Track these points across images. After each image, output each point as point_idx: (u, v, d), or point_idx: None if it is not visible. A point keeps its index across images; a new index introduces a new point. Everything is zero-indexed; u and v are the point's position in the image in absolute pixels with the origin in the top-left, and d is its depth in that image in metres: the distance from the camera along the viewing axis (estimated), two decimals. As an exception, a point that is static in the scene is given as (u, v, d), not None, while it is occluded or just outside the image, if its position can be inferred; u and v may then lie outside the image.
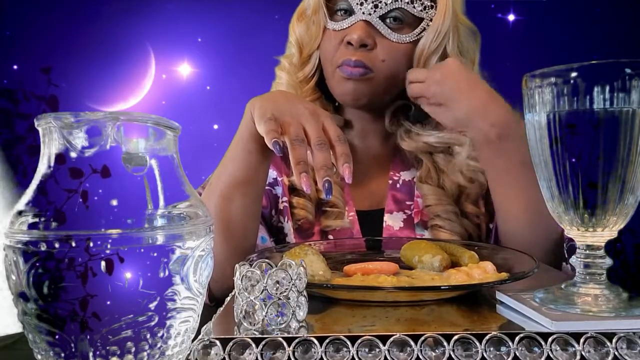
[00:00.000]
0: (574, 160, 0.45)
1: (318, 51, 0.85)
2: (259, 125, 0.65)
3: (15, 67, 1.59)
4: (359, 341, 0.41)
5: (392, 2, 0.78)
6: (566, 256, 0.78)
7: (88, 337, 0.32)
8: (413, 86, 0.78)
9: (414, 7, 0.79)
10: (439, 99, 0.75)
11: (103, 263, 0.32)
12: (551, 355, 0.40)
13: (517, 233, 0.77)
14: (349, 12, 0.80)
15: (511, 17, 1.64)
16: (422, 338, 0.41)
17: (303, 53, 0.86)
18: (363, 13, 0.78)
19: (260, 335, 0.41)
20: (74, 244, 0.32)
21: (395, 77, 0.82)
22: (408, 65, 0.82)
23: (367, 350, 0.40)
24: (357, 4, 0.78)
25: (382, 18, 0.79)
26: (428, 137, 0.85)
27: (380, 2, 0.78)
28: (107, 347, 0.33)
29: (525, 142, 0.70)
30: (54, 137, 0.34)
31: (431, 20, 0.80)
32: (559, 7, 1.62)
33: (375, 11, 0.78)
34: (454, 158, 0.85)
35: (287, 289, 0.42)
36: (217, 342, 0.41)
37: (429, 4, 0.79)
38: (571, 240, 0.77)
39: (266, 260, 0.45)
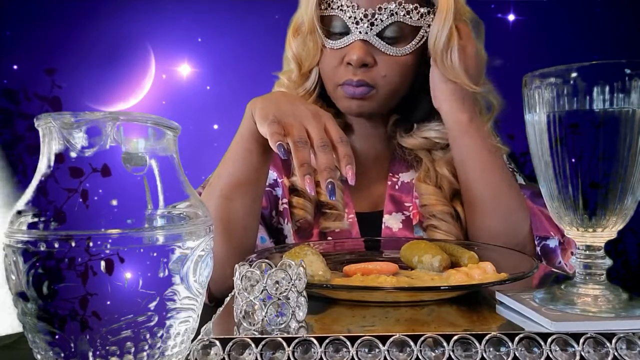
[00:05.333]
0: (573, 160, 0.45)
1: (318, 67, 0.85)
2: (261, 127, 0.65)
3: (15, 67, 1.59)
4: (359, 341, 0.41)
5: (387, 18, 0.77)
6: (540, 256, 0.79)
7: (88, 337, 0.32)
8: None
9: (410, 17, 0.78)
10: (449, 62, 0.77)
11: (103, 263, 0.32)
12: (551, 356, 0.40)
13: (483, 224, 0.79)
14: (345, 30, 0.79)
15: (511, 17, 1.64)
16: (422, 338, 0.41)
17: (302, 69, 0.85)
18: (360, 32, 0.77)
19: (259, 336, 0.41)
20: (73, 244, 0.32)
21: (397, 90, 0.82)
22: (408, 75, 0.82)
23: (366, 350, 0.40)
24: (353, 23, 0.77)
25: (380, 35, 0.78)
26: (429, 131, 0.86)
27: (376, 19, 0.77)
28: (107, 347, 0.33)
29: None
30: (53, 137, 0.34)
31: (429, 26, 0.79)
32: (559, 7, 1.62)
33: (371, 29, 0.77)
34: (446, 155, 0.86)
35: (286, 289, 0.42)
36: (217, 342, 0.41)
37: (425, 10, 0.78)
38: (544, 239, 0.78)
39: (266, 260, 0.45)
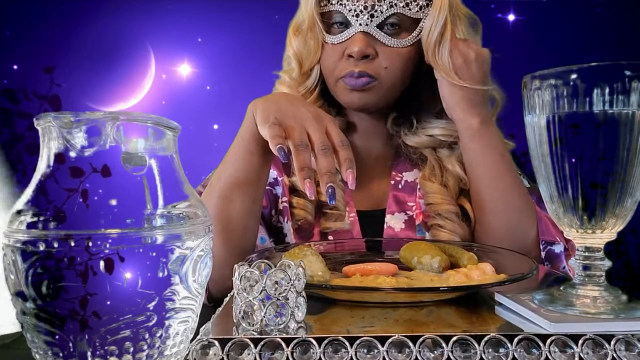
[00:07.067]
0: (574, 160, 0.45)
1: (318, 64, 0.85)
2: (262, 129, 0.65)
3: (15, 67, 1.59)
4: (358, 342, 0.41)
5: (387, 9, 0.77)
6: (544, 260, 0.79)
7: (87, 336, 0.32)
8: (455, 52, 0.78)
9: (409, 9, 0.78)
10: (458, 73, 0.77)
11: (102, 263, 0.32)
12: (549, 357, 0.40)
13: (491, 225, 0.79)
14: (345, 24, 0.79)
15: (511, 17, 1.64)
16: (421, 339, 0.41)
17: (303, 67, 0.85)
18: (360, 24, 0.78)
19: (258, 336, 0.41)
20: (73, 244, 0.32)
21: (398, 82, 0.82)
22: (409, 67, 0.82)
23: (365, 351, 0.40)
24: (353, 15, 0.78)
25: (380, 26, 0.78)
26: (434, 129, 0.86)
27: (376, 11, 0.77)
28: (106, 347, 0.33)
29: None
30: (53, 137, 0.34)
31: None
32: (559, 7, 1.62)
33: (372, 21, 0.77)
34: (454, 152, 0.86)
35: (285, 289, 0.42)
36: (216, 343, 0.41)
37: (424, 2, 0.79)
38: (549, 244, 0.78)
39: (265, 260, 0.45)
